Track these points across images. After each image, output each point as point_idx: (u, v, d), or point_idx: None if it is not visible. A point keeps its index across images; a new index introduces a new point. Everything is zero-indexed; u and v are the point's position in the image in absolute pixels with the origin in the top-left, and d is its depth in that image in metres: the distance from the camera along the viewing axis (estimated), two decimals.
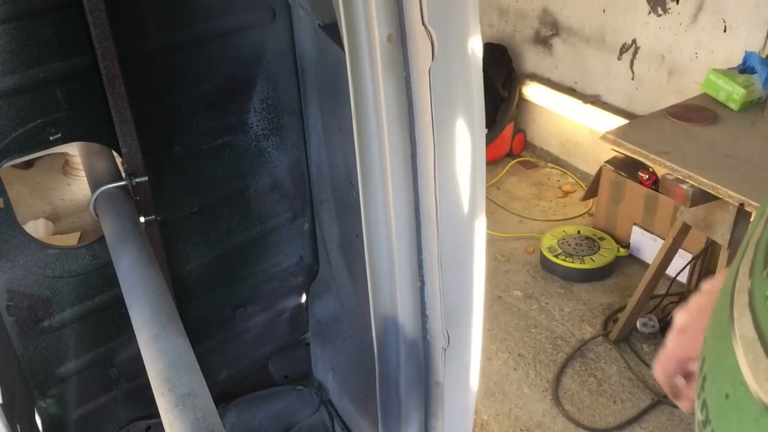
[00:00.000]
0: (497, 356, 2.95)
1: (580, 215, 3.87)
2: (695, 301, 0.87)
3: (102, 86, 1.36)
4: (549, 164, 4.37)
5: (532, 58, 4.24)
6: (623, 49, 3.60)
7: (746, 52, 2.76)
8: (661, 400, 2.68)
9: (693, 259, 2.97)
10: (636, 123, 2.84)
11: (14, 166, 3.92)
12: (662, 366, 0.89)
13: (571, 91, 3.99)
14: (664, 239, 2.83)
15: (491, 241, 3.64)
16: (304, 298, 2.05)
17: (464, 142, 1.01)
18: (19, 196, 3.96)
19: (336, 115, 1.50)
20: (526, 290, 3.33)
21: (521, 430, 2.62)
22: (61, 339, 1.59)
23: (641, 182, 3.28)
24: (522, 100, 4.28)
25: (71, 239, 3.58)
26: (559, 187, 4.15)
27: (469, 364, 1.24)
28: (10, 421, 1.24)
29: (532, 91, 4.20)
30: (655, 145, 2.43)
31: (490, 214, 3.83)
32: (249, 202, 1.76)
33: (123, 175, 1.49)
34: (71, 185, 4.16)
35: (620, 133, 2.56)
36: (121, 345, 1.70)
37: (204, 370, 1.04)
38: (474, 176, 1.05)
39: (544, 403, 2.72)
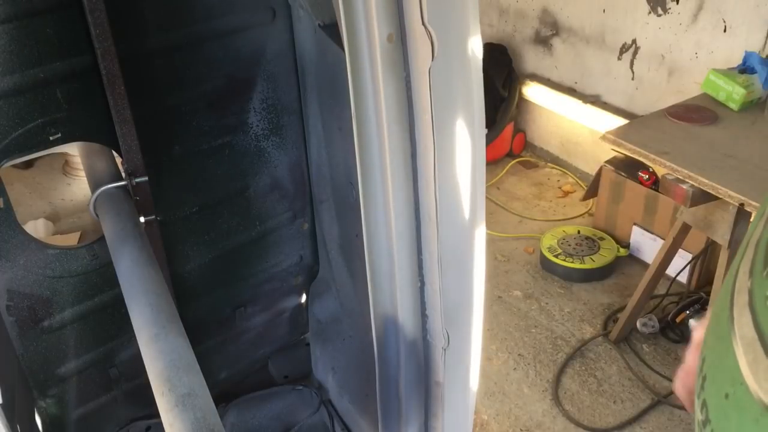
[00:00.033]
0: (497, 356, 2.95)
1: (580, 215, 3.87)
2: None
3: (102, 86, 1.36)
4: (549, 164, 4.37)
5: (532, 58, 4.25)
6: (623, 49, 3.60)
7: (746, 52, 2.76)
8: (661, 400, 2.68)
9: (693, 259, 2.97)
10: (636, 123, 2.84)
11: (14, 166, 3.92)
12: (682, 381, 0.89)
13: (571, 91, 3.99)
14: (664, 239, 2.83)
15: (491, 241, 3.64)
16: (304, 298, 2.04)
17: (464, 142, 1.01)
18: (19, 196, 3.96)
19: (336, 115, 1.50)
20: (526, 290, 3.33)
21: (521, 430, 2.62)
22: (61, 339, 1.59)
23: (641, 182, 3.28)
24: (522, 100, 4.28)
25: (71, 239, 3.58)
26: (559, 187, 4.15)
27: (469, 364, 1.24)
28: (10, 421, 1.24)
29: (532, 91, 4.20)
30: (655, 145, 2.43)
31: (490, 214, 3.83)
32: (249, 202, 1.76)
33: (123, 175, 1.49)
34: (71, 185, 4.16)
35: (620, 133, 2.56)
36: (121, 345, 1.70)
37: (204, 370, 1.04)
38: (474, 176, 1.05)
39: (544, 403, 2.72)
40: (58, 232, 3.71)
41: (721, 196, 2.21)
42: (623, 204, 3.43)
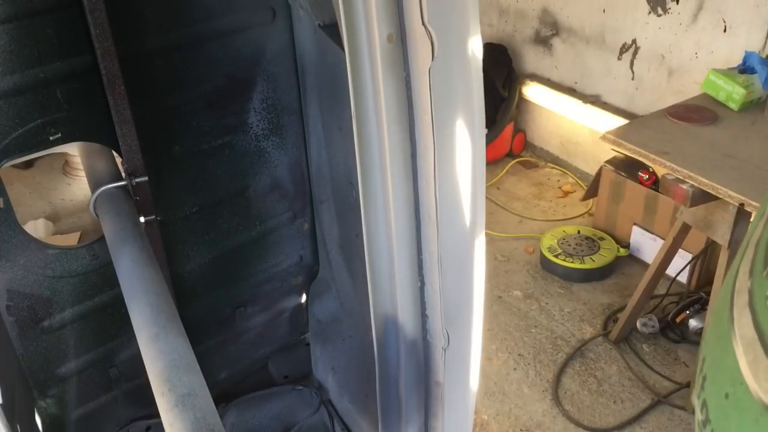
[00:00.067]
0: (497, 356, 2.95)
1: (580, 215, 3.87)
2: None
3: (102, 86, 1.36)
4: (549, 164, 4.37)
5: (532, 58, 4.24)
6: (623, 49, 3.60)
7: (746, 52, 2.76)
8: (661, 400, 2.68)
9: (693, 259, 2.97)
10: (636, 123, 2.84)
11: (14, 166, 3.92)
12: None
13: (571, 91, 3.99)
14: (664, 239, 2.83)
15: (491, 241, 3.65)
16: (304, 298, 2.04)
17: (464, 142, 1.01)
18: (19, 196, 3.96)
19: (336, 115, 1.50)
20: (526, 290, 3.33)
21: (521, 430, 2.62)
22: (61, 339, 1.59)
23: (641, 182, 3.28)
24: (522, 100, 4.28)
25: (71, 239, 3.58)
26: (559, 187, 4.15)
27: (469, 364, 1.24)
28: (10, 421, 1.24)
29: (532, 91, 4.20)
30: (655, 145, 2.43)
31: (490, 214, 3.84)
32: (249, 202, 1.76)
33: (123, 175, 1.49)
34: (71, 185, 4.16)
35: (620, 133, 2.56)
36: (121, 345, 1.70)
37: (204, 370, 1.04)
38: (474, 176, 1.05)
39: (544, 403, 2.72)
40: (58, 232, 3.71)
41: (721, 196, 2.21)
42: (623, 204, 3.43)
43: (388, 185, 1.07)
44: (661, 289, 3.00)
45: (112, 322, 1.65)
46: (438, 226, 1.07)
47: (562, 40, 3.97)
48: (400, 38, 0.96)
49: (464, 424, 1.33)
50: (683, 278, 3.07)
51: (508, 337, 3.05)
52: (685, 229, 2.59)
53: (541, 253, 3.44)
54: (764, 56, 2.75)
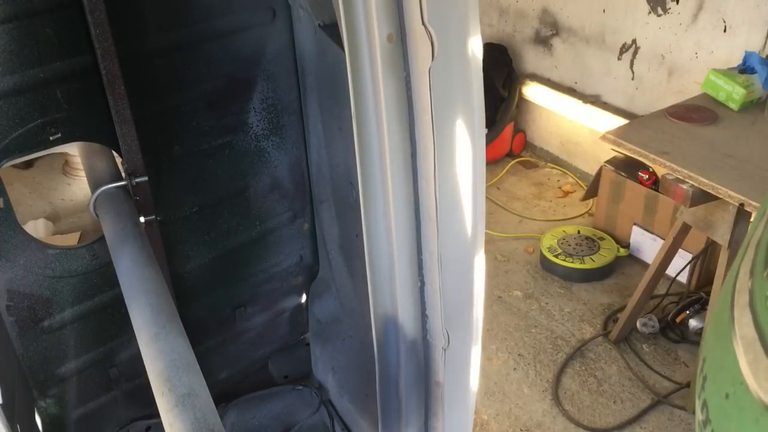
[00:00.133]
0: (497, 356, 2.95)
1: (580, 215, 3.87)
2: None
3: (102, 86, 1.36)
4: (549, 164, 4.37)
5: (532, 58, 4.24)
6: (623, 49, 3.60)
7: (746, 52, 2.76)
8: (661, 400, 2.68)
9: (693, 259, 2.97)
10: (636, 123, 2.84)
11: (14, 166, 3.92)
12: None
13: (571, 91, 3.99)
14: (664, 239, 2.84)
15: (491, 241, 3.64)
16: (304, 298, 2.04)
17: (464, 142, 1.01)
18: (19, 196, 3.96)
19: (336, 115, 1.50)
20: (526, 290, 3.33)
21: (521, 430, 2.62)
22: (61, 339, 1.59)
23: (641, 182, 3.28)
24: (522, 100, 4.28)
25: (71, 239, 3.58)
26: (559, 187, 4.15)
27: (469, 364, 1.24)
28: (10, 421, 1.24)
29: (532, 91, 4.20)
30: (655, 145, 2.43)
31: (490, 214, 3.84)
32: (249, 202, 1.76)
33: (123, 175, 1.49)
34: (71, 185, 4.16)
35: (620, 133, 2.56)
36: (121, 345, 1.70)
37: (204, 370, 1.04)
38: (474, 176, 1.05)
39: (544, 403, 2.72)
40: (58, 232, 3.71)
41: (721, 196, 2.21)
42: (623, 204, 3.43)
43: (388, 185, 1.07)
44: (661, 289, 3.00)
45: (112, 322, 1.65)
46: (438, 226, 1.07)
47: (562, 40, 3.97)
48: (400, 38, 0.96)
49: (464, 424, 1.33)
50: (683, 278, 3.07)
51: (508, 337, 3.05)
52: (685, 229, 2.59)
53: (541, 253, 3.44)
54: (764, 56, 2.75)
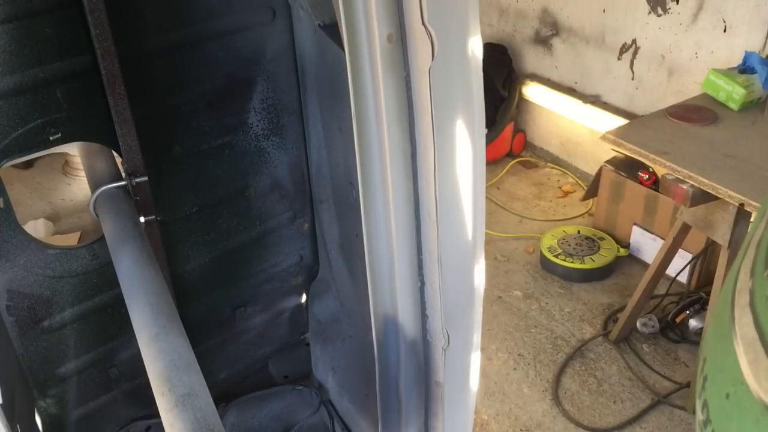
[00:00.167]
0: (497, 356, 2.95)
1: (580, 215, 3.87)
2: None
3: (102, 86, 1.36)
4: (549, 164, 4.37)
5: (532, 58, 4.24)
6: (623, 49, 3.60)
7: (746, 52, 2.76)
8: (661, 400, 2.68)
9: (693, 259, 2.97)
10: (636, 123, 2.84)
11: (14, 166, 3.92)
12: None
13: (571, 91, 3.99)
14: (664, 239, 2.83)
15: (491, 241, 3.64)
16: (304, 298, 2.04)
17: (464, 142, 1.01)
18: (19, 196, 3.96)
19: (336, 115, 1.50)
20: (526, 290, 3.33)
21: (521, 430, 2.62)
22: (61, 339, 1.59)
23: (641, 182, 3.28)
24: (522, 100, 4.28)
25: (71, 239, 3.58)
26: (559, 187, 4.15)
27: (469, 364, 1.24)
28: (10, 421, 1.24)
29: (532, 91, 4.20)
30: (655, 145, 2.43)
31: (490, 214, 3.84)
32: (249, 202, 1.76)
33: (123, 175, 1.49)
34: (71, 185, 4.16)
35: (620, 133, 2.56)
36: (121, 345, 1.70)
37: (204, 370, 1.04)
38: (474, 176, 1.05)
39: (544, 403, 2.72)
40: (58, 232, 3.71)
41: (721, 196, 2.21)
42: (623, 204, 3.43)
43: (388, 185, 1.07)
44: (661, 289, 3.00)
45: (112, 322, 1.65)
46: (438, 226, 1.07)
47: (562, 40, 3.97)
48: (400, 38, 0.96)
49: (464, 424, 1.33)
50: (683, 278, 3.07)
51: (508, 337, 3.05)
52: (685, 229, 2.59)
53: (541, 253, 3.44)
54: (764, 56, 2.75)
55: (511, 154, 4.42)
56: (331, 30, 1.40)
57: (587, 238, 3.50)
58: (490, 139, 4.16)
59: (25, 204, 3.94)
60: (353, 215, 1.39)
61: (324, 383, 2.00)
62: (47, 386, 1.62)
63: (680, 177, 2.31)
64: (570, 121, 4.05)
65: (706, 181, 2.22)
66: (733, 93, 2.63)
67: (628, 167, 3.33)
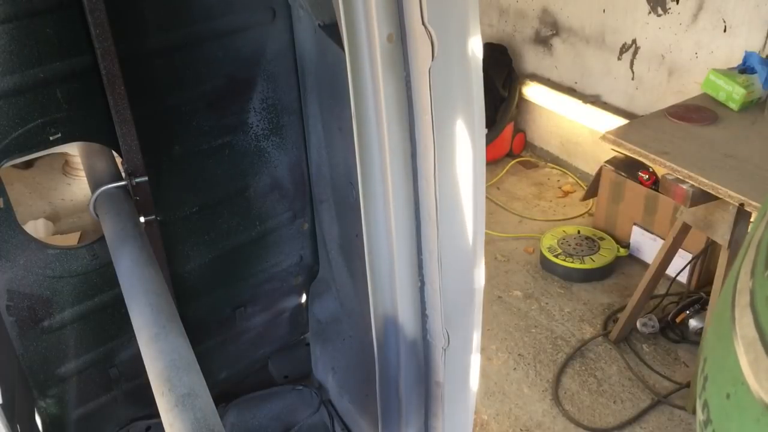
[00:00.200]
0: (497, 356, 2.95)
1: (580, 215, 3.87)
2: None
3: (102, 86, 1.36)
4: (549, 164, 4.37)
5: (532, 58, 4.24)
6: (623, 49, 3.60)
7: (746, 52, 2.76)
8: (661, 400, 2.68)
9: (693, 259, 2.97)
10: (636, 123, 2.84)
11: (14, 166, 3.92)
12: None
13: (571, 91, 3.99)
14: (664, 239, 2.83)
15: (491, 241, 3.64)
16: (304, 298, 2.04)
17: (464, 142, 1.01)
18: (19, 196, 3.96)
19: (336, 115, 1.50)
20: (526, 290, 3.33)
21: (521, 430, 2.62)
22: (61, 339, 1.59)
23: (641, 182, 3.28)
24: (522, 100, 4.28)
25: (71, 239, 3.58)
26: (559, 187, 4.15)
27: (469, 364, 1.24)
28: (10, 421, 1.24)
29: (532, 91, 4.20)
30: (655, 145, 2.43)
31: (490, 214, 3.84)
32: (249, 202, 1.76)
33: (123, 175, 1.49)
34: (71, 185, 4.16)
35: (620, 133, 2.56)
36: (121, 345, 1.70)
37: (204, 370, 1.03)
38: (474, 176, 1.05)
39: (544, 403, 2.72)
40: (58, 232, 3.71)
41: (721, 196, 2.21)
42: (623, 204, 3.43)
43: (388, 185, 1.07)
44: (661, 289, 3.00)
45: (112, 322, 1.65)
46: (438, 226, 1.07)
47: (562, 40, 3.97)
48: (400, 38, 0.96)
49: (464, 424, 1.33)
50: (683, 278, 3.07)
51: (508, 337, 3.05)
52: (685, 229, 2.59)
53: (541, 253, 3.44)
54: (764, 56, 2.75)
55: (511, 154, 4.42)
56: (331, 30, 1.40)
57: (587, 238, 3.50)
58: (490, 139, 4.16)
59: (25, 204, 3.94)
60: (353, 215, 1.39)
61: (324, 383, 2.00)
62: (47, 386, 1.62)
63: (680, 177, 2.31)
64: (570, 121, 4.05)
65: (706, 181, 2.22)
66: (733, 93, 2.63)
67: (628, 167, 3.33)
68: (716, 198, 2.25)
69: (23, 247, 1.44)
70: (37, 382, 1.60)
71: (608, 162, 3.43)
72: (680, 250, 2.76)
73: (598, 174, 3.54)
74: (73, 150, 1.97)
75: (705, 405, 0.62)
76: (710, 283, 2.61)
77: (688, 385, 2.70)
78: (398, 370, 1.28)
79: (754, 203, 2.13)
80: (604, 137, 2.55)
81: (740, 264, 0.62)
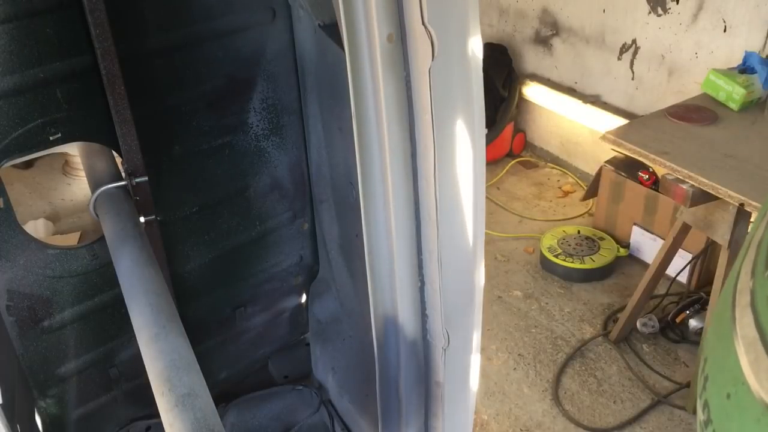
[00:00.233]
0: (497, 356, 2.95)
1: (580, 215, 3.87)
2: None
3: (102, 86, 1.36)
4: (549, 164, 4.37)
5: (532, 58, 4.24)
6: (623, 49, 3.60)
7: (746, 52, 2.76)
8: (661, 400, 2.68)
9: (693, 259, 2.97)
10: (636, 123, 2.84)
11: (14, 166, 3.92)
12: None
13: (571, 91, 3.99)
14: (664, 239, 2.83)
15: (491, 241, 3.64)
16: (304, 298, 2.04)
17: (464, 142, 1.01)
18: (19, 196, 3.96)
19: (336, 115, 1.50)
20: (526, 290, 3.33)
21: (521, 430, 2.62)
22: (61, 339, 1.59)
23: (641, 182, 3.28)
24: (522, 100, 4.28)
25: (71, 239, 3.58)
26: (559, 187, 4.15)
27: (469, 364, 1.24)
28: (10, 421, 1.24)
29: (532, 91, 4.20)
30: (655, 145, 2.43)
31: (490, 214, 3.84)
32: (249, 202, 1.76)
33: (123, 175, 1.49)
34: (71, 185, 4.16)
35: (620, 133, 2.56)
36: (121, 345, 1.70)
37: (204, 370, 1.03)
38: (474, 176, 1.05)
39: (544, 403, 2.72)
40: (58, 232, 3.70)
41: (721, 196, 2.21)
42: (623, 204, 3.43)
43: (388, 185, 1.07)
44: (661, 289, 3.00)
45: (112, 322, 1.65)
46: (438, 226, 1.07)
47: (562, 40, 3.97)
48: (400, 38, 0.96)
49: (464, 424, 1.33)
50: (683, 278, 3.07)
51: (508, 337, 3.05)
52: (685, 229, 2.59)
53: (541, 253, 3.44)
54: (764, 56, 2.75)
55: (511, 154, 4.42)
56: (331, 30, 1.40)
57: (587, 238, 3.50)
58: (490, 139, 4.16)
59: (25, 204, 3.94)
60: (353, 215, 1.39)
61: (324, 383, 2.00)
62: (47, 386, 1.62)
63: (680, 177, 2.31)
64: (570, 121, 4.05)
65: (706, 181, 2.22)
66: (733, 93, 2.63)
67: (628, 167, 3.33)
68: (716, 198, 2.25)
69: (23, 247, 1.44)
70: (37, 382, 1.60)
71: (608, 162, 3.43)
72: (680, 250, 2.76)
73: (598, 174, 3.54)
74: (73, 150, 1.97)
75: (705, 405, 0.62)
76: (710, 283, 2.61)
77: (688, 385, 2.70)
78: (398, 370, 1.28)
79: (754, 203, 2.13)
80: (604, 137, 2.55)
81: (740, 264, 0.62)
